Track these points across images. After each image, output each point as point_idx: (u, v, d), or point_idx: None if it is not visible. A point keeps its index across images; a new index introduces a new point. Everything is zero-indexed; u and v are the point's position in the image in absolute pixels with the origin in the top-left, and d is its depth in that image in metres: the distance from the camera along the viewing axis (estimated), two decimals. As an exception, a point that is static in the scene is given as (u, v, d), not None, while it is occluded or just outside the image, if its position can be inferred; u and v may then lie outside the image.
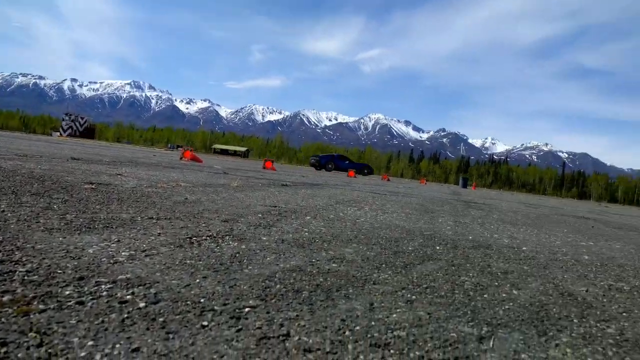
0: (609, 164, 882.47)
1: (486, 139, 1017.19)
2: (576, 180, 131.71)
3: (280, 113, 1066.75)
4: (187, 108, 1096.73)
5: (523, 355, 1.16)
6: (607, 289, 2.07)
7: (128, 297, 1.27)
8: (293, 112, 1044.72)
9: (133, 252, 1.74)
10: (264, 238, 2.35)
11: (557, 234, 4.51)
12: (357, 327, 1.24)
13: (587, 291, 1.98)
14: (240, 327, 1.15)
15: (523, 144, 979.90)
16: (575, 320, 1.52)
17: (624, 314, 1.68)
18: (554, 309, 1.63)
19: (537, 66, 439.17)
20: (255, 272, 1.68)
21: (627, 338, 1.39)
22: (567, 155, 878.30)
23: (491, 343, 1.23)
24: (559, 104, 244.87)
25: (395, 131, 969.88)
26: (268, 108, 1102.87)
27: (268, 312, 1.27)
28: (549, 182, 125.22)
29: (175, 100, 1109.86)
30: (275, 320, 1.22)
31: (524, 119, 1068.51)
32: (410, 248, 2.58)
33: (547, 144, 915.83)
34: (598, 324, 1.51)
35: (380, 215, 4.22)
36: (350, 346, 1.11)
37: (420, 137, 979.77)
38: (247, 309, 1.28)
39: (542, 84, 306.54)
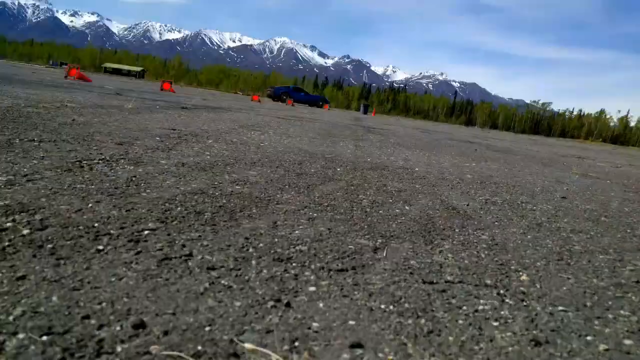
0: (493, 94, 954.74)
1: (388, 66, 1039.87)
2: (465, 108, 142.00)
3: (179, 32, 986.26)
4: (71, 21, 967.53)
5: (412, 262, 1.28)
6: (484, 203, 2.33)
7: (8, 224, 1.16)
8: (194, 31, 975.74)
9: (12, 177, 1.57)
10: (163, 162, 2.25)
11: (445, 156, 4.89)
12: (261, 244, 1.27)
13: (467, 205, 2.21)
14: (139, 249, 1.12)
15: (421, 73, 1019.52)
16: (456, 230, 1.70)
17: (496, 222, 1.91)
18: (440, 221, 1.80)
19: None
20: (154, 195, 1.62)
21: (497, 242, 1.60)
22: (459, 85, 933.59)
23: (384, 252, 1.34)
24: (455, 36, 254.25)
25: (301, 56, 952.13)
26: (166, 26, 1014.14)
27: (169, 234, 1.25)
28: (442, 109, 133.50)
29: (57, 11, 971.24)
30: (176, 242, 1.20)
31: (423, 49, 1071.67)
32: (312, 170, 2.64)
33: (442, 74, 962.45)
34: (475, 232, 1.70)
35: (284, 139, 4.22)
36: (253, 262, 1.14)
37: (326, 63, 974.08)
38: (146, 232, 1.24)
39: (441, 16, 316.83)
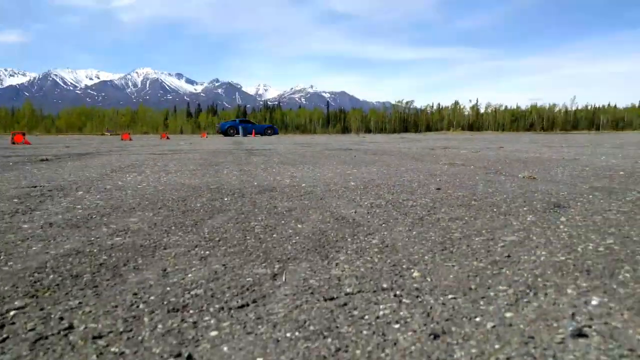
0: (362, 99, 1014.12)
1: (259, 85, 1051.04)
2: (339, 117, 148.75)
3: (24, 75, 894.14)
4: None
5: (311, 281, 1.29)
6: (370, 207, 2.44)
7: None
8: (42, 72, 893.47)
9: None
10: (26, 226, 2.01)
11: (328, 167, 5.06)
12: (152, 297, 1.18)
13: (355, 212, 2.30)
14: (5, 335, 0.97)
15: (292, 88, 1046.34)
16: (349, 239, 1.75)
17: (383, 225, 2.01)
18: (332, 234, 1.85)
19: (296, 12, 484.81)
20: (19, 267, 1.43)
21: (387, 244, 1.68)
22: (329, 95, 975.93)
23: (283, 277, 1.33)
24: (318, 47, 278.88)
25: (168, 85, 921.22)
26: (6, 70, 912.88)
27: (42, 309, 1.11)
28: (318, 121, 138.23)
29: None
30: (52, 316, 1.07)
31: (290, 64, 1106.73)
32: (198, 205, 2.55)
33: (312, 86, 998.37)
34: (366, 238, 1.77)
35: (163, 177, 4.03)
36: (146, 318, 1.06)
37: (195, 89, 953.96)
38: (12, 312, 1.08)
39: (302, 30, 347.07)
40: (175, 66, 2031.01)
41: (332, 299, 1.16)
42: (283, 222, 2.09)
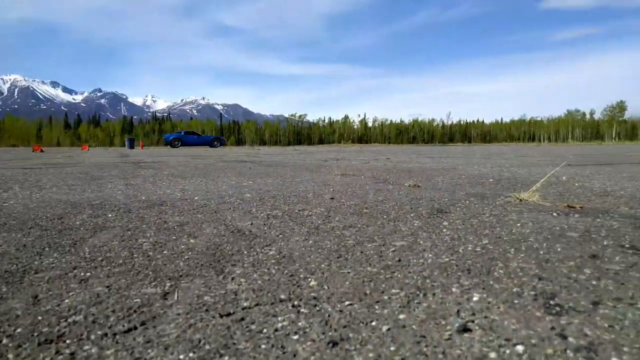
0: (255, 112, 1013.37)
1: (147, 96, 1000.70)
2: (233, 128, 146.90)
3: None
4: None
5: (206, 298, 1.23)
6: (267, 218, 2.42)
7: None
8: None
9: None
10: None
11: (223, 179, 4.94)
12: (19, 330, 1.04)
13: (251, 224, 2.26)
14: None
15: (183, 100, 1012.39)
16: (245, 252, 1.71)
17: (280, 235, 2.00)
18: (228, 247, 1.79)
19: (186, 24, 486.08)
20: None
21: (284, 254, 1.67)
22: (222, 107, 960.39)
23: (175, 296, 1.25)
24: (210, 60, 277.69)
25: (41, 94, 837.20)
26: None
27: None
28: (212, 132, 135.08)
29: None
30: None
31: (180, 75, 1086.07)
32: (78, 222, 2.32)
33: (204, 98, 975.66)
34: (263, 250, 1.74)
35: (36, 193, 3.62)
36: (11, 355, 0.92)
37: (74, 99, 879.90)
38: None
39: (193, 42, 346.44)
40: (50, 74, 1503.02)
41: (228, 314, 1.12)
42: (174, 237, 1.98)
